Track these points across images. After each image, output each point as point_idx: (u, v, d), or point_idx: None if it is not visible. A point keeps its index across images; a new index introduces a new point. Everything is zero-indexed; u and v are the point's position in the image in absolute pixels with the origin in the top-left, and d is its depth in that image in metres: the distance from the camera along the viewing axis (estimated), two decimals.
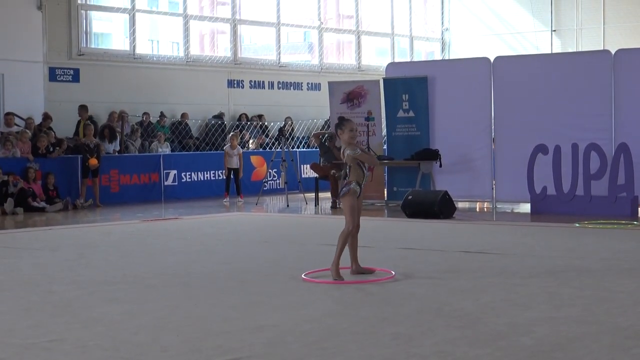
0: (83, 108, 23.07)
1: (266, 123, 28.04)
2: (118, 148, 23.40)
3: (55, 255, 12.80)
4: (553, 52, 31.25)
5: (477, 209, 20.52)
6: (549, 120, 19.14)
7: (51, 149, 21.73)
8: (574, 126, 18.72)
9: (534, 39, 33.17)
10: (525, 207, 19.10)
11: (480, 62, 20.63)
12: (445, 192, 17.92)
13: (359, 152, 10.16)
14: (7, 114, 22.47)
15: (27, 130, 21.92)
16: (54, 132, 22.51)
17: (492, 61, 20.18)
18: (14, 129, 22.11)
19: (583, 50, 30.57)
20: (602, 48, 29.32)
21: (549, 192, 17.98)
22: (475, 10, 34.67)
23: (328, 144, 21.35)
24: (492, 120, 20.09)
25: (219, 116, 27.01)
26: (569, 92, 19.09)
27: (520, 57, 22.94)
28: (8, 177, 20.28)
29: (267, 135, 27.68)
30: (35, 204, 20.40)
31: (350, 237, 10.22)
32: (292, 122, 28.37)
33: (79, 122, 22.92)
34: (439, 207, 17.52)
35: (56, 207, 20.56)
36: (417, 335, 7.29)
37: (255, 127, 27.69)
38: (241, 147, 23.68)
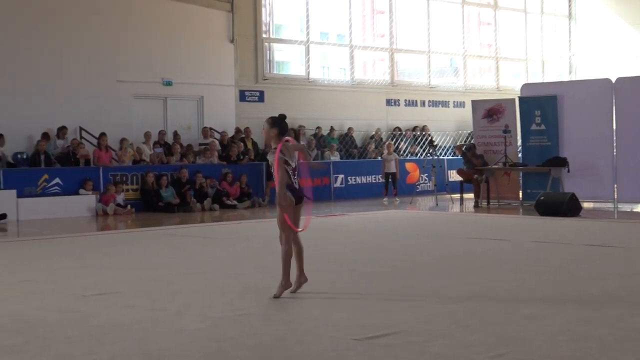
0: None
1: (425, 133, 27.77)
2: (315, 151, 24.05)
3: (244, 245, 13.02)
4: None
5: None
6: None
7: (241, 157, 22.21)
8: None
9: None
10: None
11: (603, 83, 20.04)
12: (573, 194, 17.50)
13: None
14: (205, 128, 23.06)
15: (216, 140, 22.56)
16: (244, 143, 22.94)
17: (613, 82, 19.60)
18: (209, 140, 22.62)
19: None
20: None
21: None
22: (598, 36, 33.67)
23: (468, 154, 21.15)
24: (614, 132, 19.50)
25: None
26: None
27: (639, 78, 22.21)
28: (206, 180, 20.81)
29: (419, 145, 27.50)
30: (228, 202, 20.84)
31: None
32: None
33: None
34: (567, 207, 17.12)
35: (245, 204, 20.94)
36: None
37: (409, 137, 27.57)
38: (397, 154, 23.71)
